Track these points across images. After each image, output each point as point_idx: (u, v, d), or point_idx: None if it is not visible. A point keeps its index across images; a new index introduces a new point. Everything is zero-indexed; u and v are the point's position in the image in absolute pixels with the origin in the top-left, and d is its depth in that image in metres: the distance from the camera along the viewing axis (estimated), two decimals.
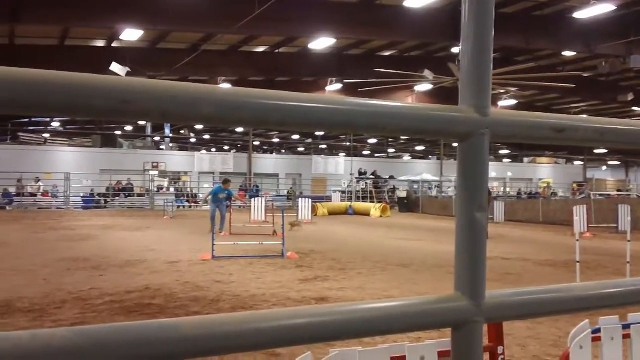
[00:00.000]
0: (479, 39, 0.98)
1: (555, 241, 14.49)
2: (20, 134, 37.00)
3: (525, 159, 48.10)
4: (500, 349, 1.91)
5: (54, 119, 38.35)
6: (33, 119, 37.86)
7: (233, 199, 15.88)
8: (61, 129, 39.56)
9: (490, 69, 0.99)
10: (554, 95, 31.35)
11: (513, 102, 32.24)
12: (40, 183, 28.69)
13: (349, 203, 28.50)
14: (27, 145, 34.32)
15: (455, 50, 21.17)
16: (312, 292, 7.08)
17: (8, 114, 0.76)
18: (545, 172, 45.48)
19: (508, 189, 39.47)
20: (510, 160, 48.37)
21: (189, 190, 33.53)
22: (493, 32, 0.99)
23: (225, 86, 0.88)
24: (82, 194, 29.40)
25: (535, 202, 25.97)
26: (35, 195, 28.66)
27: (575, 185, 41.47)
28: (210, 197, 15.44)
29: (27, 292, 6.78)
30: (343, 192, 33.35)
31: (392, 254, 10.97)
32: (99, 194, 29.99)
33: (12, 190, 28.24)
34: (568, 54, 23.18)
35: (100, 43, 21.11)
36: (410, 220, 23.17)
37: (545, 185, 40.41)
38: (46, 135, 39.34)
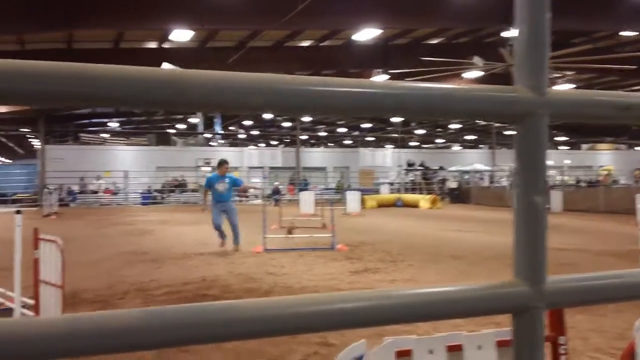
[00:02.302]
0: (535, 16, 0.95)
1: (617, 231, 13.93)
2: (81, 134, 38.58)
3: (584, 146, 46.37)
4: (562, 339, 1.86)
5: (112, 119, 39.75)
6: (93, 120, 39.38)
7: (241, 189, 11.65)
8: (119, 128, 40.98)
9: (547, 47, 0.96)
10: (614, 78, 30.03)
11: (570, 86, 31.16)
12: (101, 181, 29.89)
13: (397, 195, 28.27)
14: (88, 145, 35.77)
15: (505, 34, 20.58)
16: (363, 283, 7.09)
17: (74, 106, 0.79)
18: (605, 158, 43.73)
19: (566, 177, 38.19)
20: (568, 148, 46.76)
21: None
22: (550, 7, 0.96)
23: None
24: (140, 191, 30.43)
25: (595, 190, 25.04)
26: (97, 193, 29.86)
27: (638, 172, 39.69)
28: (210, 195, 10.76)
29: (91, 283, 7.09)
30: (391, 184, 33.11)
31: (443, 246, 10.83)
32: (155, 190, 30.94)
33: (76, 188, 29.54)
34: (627, 34, 22.14)
35: (152, 44, 21.67)
36: (461, 211, 22.79)
37: (606, 172, 38.85)
38: (105, 135, 40.84)
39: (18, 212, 5.54)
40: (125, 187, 30.27)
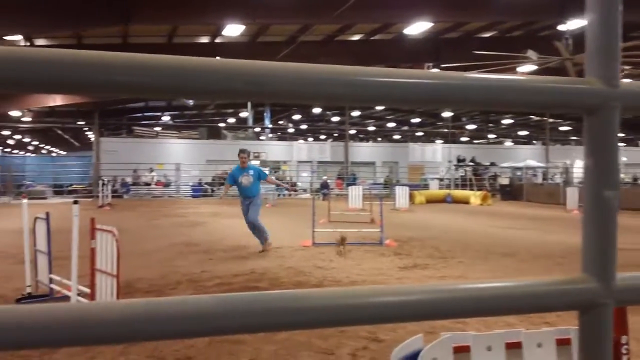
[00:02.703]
0: (606, 6, 0.93)
1: None
2: (134, 127, 39.75)
3: None
4: (624, 339, 1.80)
5: (165, 113, 40.80)
6: (146, 114, 40.50)
7: (268, 182, 10.20)
8: (171, 122, 41.99)
9: (619, 38, 0.94)
10: None
11: (627, 81, 29.88)
12: (153, 173, 30.72)
13: (447, 191, 27.87)
14: (141, 138, 36.83)
15: (561, 28, 19.93)
16: (412, 279, 7.04)
17: (155, 98, 0.82)
18: None
19: (622, 175, 36.65)
20: (624, 144, 44.86)
21: (288, 179, 34.44)
22: None
23: None
24: (191, 183, 31.11)
25: None
26: (149, 185, 30.69)
27: None
28: (234, 188, 9.69)
29: (145, 273, 7.29)
30: (441, 179, 32.69)
31: (494, 243, 10.62)
32: (206, 183, 31.58)
33: (129, 180, 30.46)
34: None
35: (204, 39, 22.07)
36: (513, 208, 22.25)
37: None
38: (157, 128, 41.96)
39: (75, 202, 5.70)
40: (176, 179, 31.00)
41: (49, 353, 4.02)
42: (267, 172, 9.97)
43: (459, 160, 34.69)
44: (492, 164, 35.66)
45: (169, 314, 0.81)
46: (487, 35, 24.02)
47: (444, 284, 0.93)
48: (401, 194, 21.18)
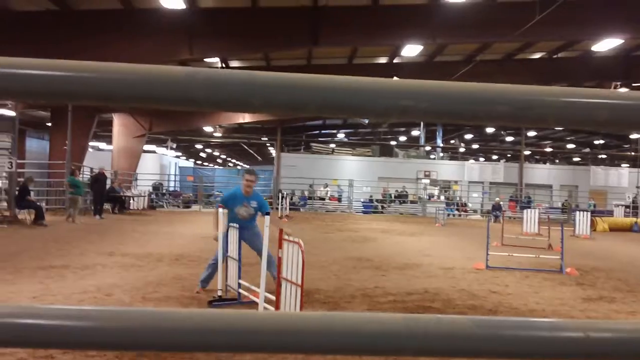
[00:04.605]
0: None
1: None
2: (312, 144, 42.02)
3: None
4: None
5: (340, 131, 42.42)
6: (323, 131, 42.52)
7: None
8: (346, 139, 43.64)
9: None
10: None
11: None
12: (328, 188, 32.16)
13: (634, 219, 25.15)
14: (318, 154, 38.76)
15: None
16: (599, 313, 6.57)
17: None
18: None
19: None
20: None
21: (458, 199, 33.73)
22: None
23: None
24: (362, 200, 31.98)
25: None
26: (324, 199, 32.16)
27: None
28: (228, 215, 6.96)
29: (321, 284, 7.65)
30: (627, 206, 29.65)
31: None
32: (376, 200, 32.22)
33: (306, 193, 32.22)
34: None
35: (382, 60, 22.70)
36: None
37: None
38: (333, 145, 43.90)
39: (267, 213, 6.20)
40: (349, 195, 32.09)
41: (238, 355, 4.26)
42: (269, 206, 7.18)
43: None
44: None
45: (345, 328, 0.85)
46: None
47: None
48: (582, 220, 19.59)
